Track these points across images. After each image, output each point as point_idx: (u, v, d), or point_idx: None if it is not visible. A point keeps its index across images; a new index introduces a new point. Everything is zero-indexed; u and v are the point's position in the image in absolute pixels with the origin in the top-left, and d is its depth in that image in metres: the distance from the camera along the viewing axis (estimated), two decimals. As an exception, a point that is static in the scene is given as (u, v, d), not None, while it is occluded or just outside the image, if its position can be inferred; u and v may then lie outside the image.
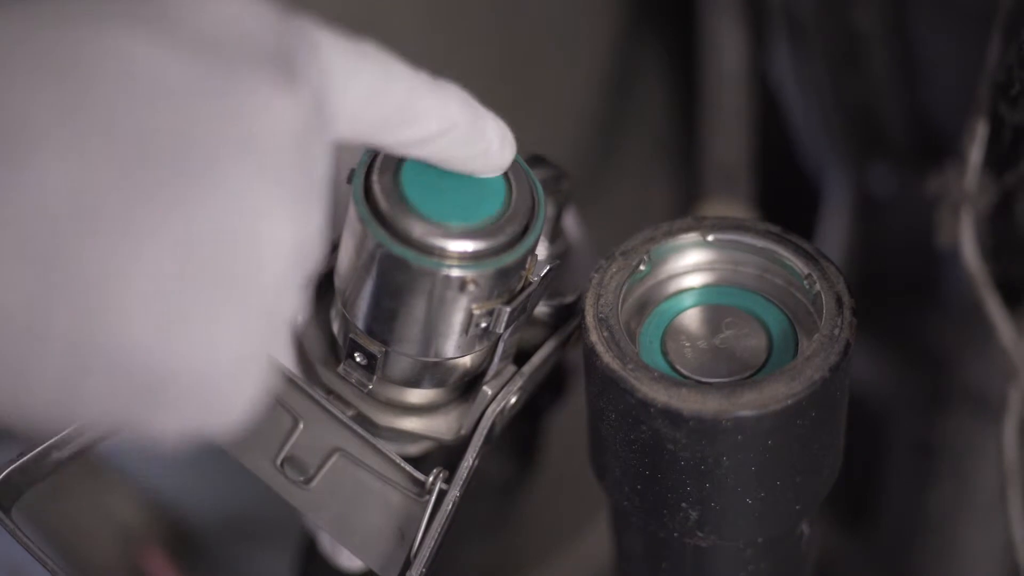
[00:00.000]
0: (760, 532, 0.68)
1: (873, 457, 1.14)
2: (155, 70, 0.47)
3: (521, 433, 0.89)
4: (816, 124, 1.10)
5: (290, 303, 0.51)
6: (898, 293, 1.13)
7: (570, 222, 0.78)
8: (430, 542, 0.66)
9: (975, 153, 0.85)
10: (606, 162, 1.10)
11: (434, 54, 1.00)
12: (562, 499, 1.10)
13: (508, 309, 0.64)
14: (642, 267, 0.69)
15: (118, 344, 0.47)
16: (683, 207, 1.11)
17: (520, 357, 0.71)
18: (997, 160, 0.86)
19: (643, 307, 0.70)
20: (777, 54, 1.07)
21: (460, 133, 0.60)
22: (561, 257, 0.75)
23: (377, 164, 0.63)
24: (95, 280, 0.46)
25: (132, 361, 0.47)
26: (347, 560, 0.74)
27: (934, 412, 1.08)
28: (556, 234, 0.75)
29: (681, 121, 1.12)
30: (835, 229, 1.13)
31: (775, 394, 0.63)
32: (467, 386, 0.71)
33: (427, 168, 0.62)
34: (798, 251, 0.69)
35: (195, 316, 0.48)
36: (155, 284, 0.47)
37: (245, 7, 0.51)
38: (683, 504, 0.66)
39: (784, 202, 1.10)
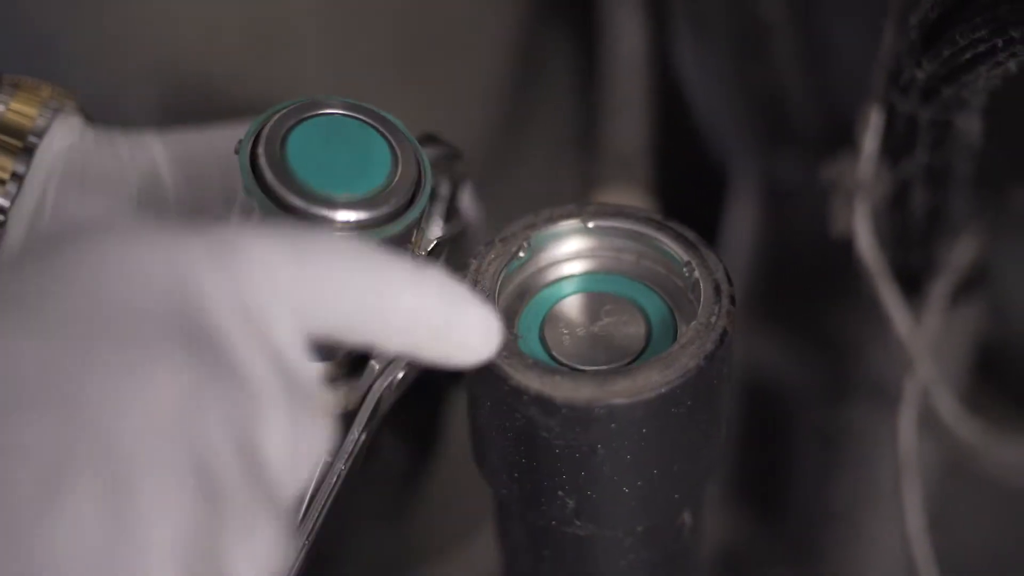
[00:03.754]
0: (639, 521, 0.68)
1: (779, 446, 1.14)
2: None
3: (420, 419, 0.88)
4: (721, 113, 1.10)
5: None
6: (805, 282, 1.13)
7: (466, 202, 0.77)
8: (313, 514, 0.66)
9: (869, 142, 0.85)
10: (512, 149, 1.09)
11: (336, 39, 0.99)
12: (464, 488, 1.09)
13: None
14: (521, 254, 0.68)
15: None
16: (589, 194, 1.11)
17: None
18: (892, 149, 0.86)
19: (522, 294, 0.69)
20: (681, 42, 1.07)
21: (433, 326, 0.59)
22: (457, 237, 0.74)
23: (264, 135, 0.64)
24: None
25: None
26: None
27: (837, 402, 1.08)
28: (452, 214, 0.74)
29: (587, 108, 1.11)
30: (742, 218, 1.13)
31: (648, 382, 0.62)
32: (355, 362, 0.70)
33: (313, 139, 0.63)
34: (678, 238, 0.68)
35: None
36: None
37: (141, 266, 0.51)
38: (559, 493, 0.65)
39: (691, 192, 1.09)
